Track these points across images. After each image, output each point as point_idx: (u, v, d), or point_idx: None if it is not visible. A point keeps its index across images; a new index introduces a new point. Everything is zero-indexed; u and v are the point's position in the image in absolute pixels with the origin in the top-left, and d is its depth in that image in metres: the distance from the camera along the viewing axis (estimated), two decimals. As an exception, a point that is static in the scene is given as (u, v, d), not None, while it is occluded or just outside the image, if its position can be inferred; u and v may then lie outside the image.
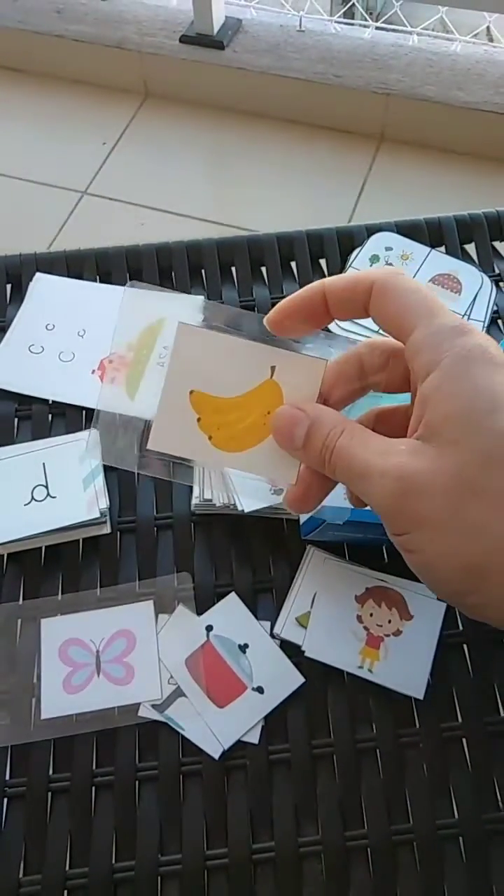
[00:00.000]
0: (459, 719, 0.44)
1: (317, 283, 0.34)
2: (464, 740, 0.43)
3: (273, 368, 0.34)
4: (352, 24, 1.90)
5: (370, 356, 0.34)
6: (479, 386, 0.28)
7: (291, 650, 0.46)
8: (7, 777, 0.44)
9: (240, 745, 0.43)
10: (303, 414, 0.33)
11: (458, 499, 0.28)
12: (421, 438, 0.29)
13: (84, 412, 0.56)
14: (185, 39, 1.86)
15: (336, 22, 1.88)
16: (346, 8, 1.90)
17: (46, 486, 0.51)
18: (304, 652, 0.45)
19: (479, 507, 0.27)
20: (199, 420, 0.35)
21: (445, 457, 0.28)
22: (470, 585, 0.28)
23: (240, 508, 0.48)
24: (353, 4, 1.89)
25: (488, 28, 1.88)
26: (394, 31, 1.85)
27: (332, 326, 0.58)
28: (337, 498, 0.44)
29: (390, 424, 0.34)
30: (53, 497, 0.51)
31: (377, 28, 1.86)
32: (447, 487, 0.28)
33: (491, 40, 1.91)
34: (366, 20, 1.88)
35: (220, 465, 0.35)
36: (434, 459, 0.28)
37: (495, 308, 0.60)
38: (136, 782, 0.43)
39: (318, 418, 0.32)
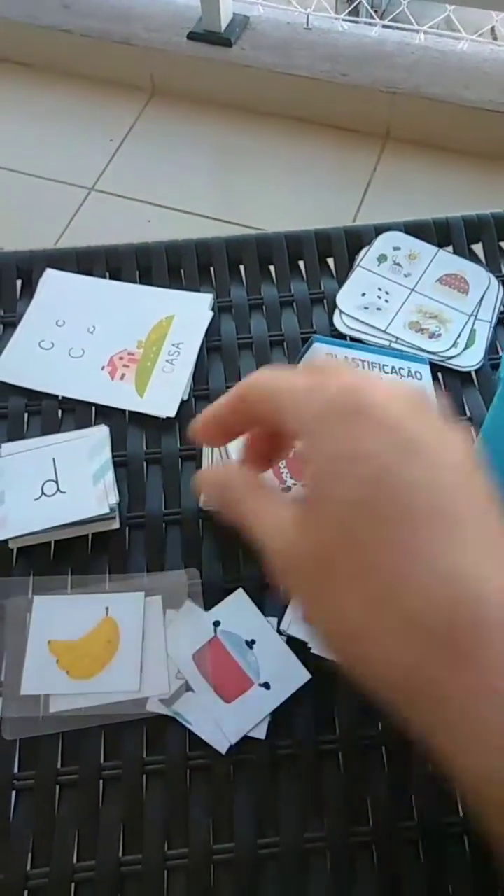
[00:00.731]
0: (465, 717, 0.44)
1: (210, 411, 0.33)
2: (469, 738, 0.44)
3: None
4: (358, 23, 1.90)
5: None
6: (337, 447, 0.27)
7: (298, 646, 0.46)
8: (15, 770, 0.44)
9: (246, 740, 0.44)
10: (212, 486, 0.34)
11: (319, 579, 0.27)
12: (306, 505, 0.28)
13: (94, 408, 0.56)
14: (192, 36, 1.86)
15: (343, 20, 1.88)
16: (352, 7, 1.90)
17: (56, 482, 0.51)
18: (310, 648, 0.46)
19: (333, 592, 0.26)
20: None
21: (311, 531, 0.27)
22: (349, 663, 0.28)
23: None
24: (360, 2, 1.89)
25: (493, 28, 1.87)
26: (400, 29, 1.85)
27: (338, 325, 0.59)
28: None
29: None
30: (63, 492, 0.51)
31: (384, 26, 1.86)
32: (311, 567, 0.27)
33: (496, 39, 1.91)
34: (372, 18, 1.88)
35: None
36: (305, 534, 0.28)
37: (502, 308, 0.60)
38: (144, 776, 0.44)
39: (224, 487, 0.33)
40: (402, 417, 0.27)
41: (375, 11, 1.89)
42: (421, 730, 0.26)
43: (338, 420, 0.27)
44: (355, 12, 1.92)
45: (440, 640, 0.24)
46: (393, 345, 0.58)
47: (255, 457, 0.34)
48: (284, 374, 0.30)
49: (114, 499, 0.50)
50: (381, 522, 0.25)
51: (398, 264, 0.62)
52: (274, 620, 0.47)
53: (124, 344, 0.59)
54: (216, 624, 0.47)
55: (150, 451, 0.54)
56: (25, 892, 0.41)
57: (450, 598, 0.24)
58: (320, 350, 0.50)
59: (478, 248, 0.64)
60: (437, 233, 0.64)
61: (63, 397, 0.57)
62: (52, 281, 0.62)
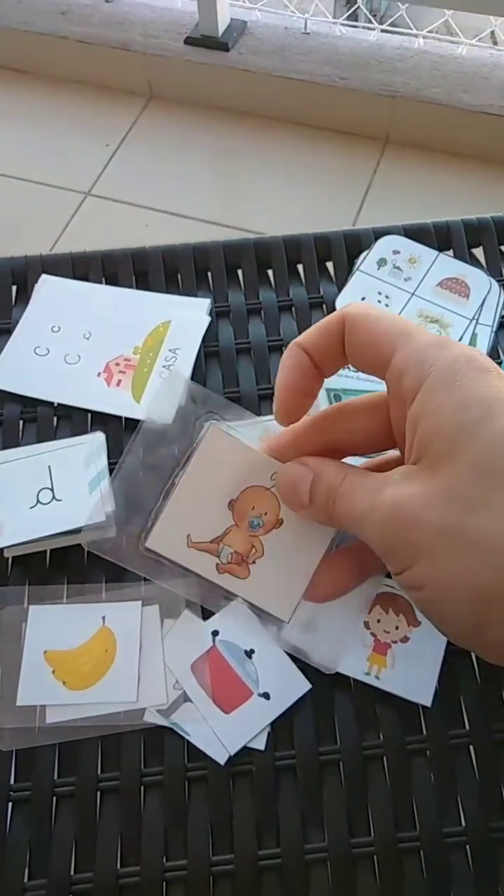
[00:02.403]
0: (467, 726, 0.44)
1: (293, 348, 0.32)
2: (471, 748, 0.43)
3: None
4: (357, 27, 1.90)
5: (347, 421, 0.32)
6: (468, 394, 0.26)
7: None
8: (12, 781, 0.43)
9: (246, 751, 0.43)
10: (306, 469, 0.31)
11: (455, 519, 0.25)
12: (413, 462, 0.27)
13: (90, 415, 0.56)
14: (189, 41, 1.86)
15: (342, 24, 1.88)
16: (350, 11, 1.90)
17: (52, 489, 0.51)
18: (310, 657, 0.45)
19: (479, 523, 0.24)
20: None
21: (437, 475, 0.25)
22: (484, 617, 0.25)
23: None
24: (358, 6, 1.89)
25: (493, 32, 1.87)
26: (399, 33, 1.85)
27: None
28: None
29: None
30: (59, 500, 0.50)
31: (382, 31, 1.86)
32: (441, 508, 0.25)
33: (495, 43, 1.91)
34: (370, 22, 1.88)
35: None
36: (425, 480, 0.26)
37: (503, 313, 0.60)
38: (142, 788, 0.43)
39: (320, 471, 0.30)
40: None
41: (374, 16, 1.89)
42: None
43: (472, 372, 0.26)
44: (354, 17, 1.92)
45: None
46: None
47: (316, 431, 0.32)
48: (393, 316, 0.29)
49: (110, 506, 0.50)
50: None
51: (398, 268, 0.62)
52: (273, 630, 0.46)
53: (121, 350, 0.59)
54: (214, 633, 0.46)
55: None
56: (21, 907, 0.40)
57: None
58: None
59: (478, 252, 0.64)
60: (437, 236, 0.64)
61: (58, 404, 0.56)
62: (48, 286, 0.62)
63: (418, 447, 0.27)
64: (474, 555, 0.24)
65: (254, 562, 0.33)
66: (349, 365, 0.32)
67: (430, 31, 1.83)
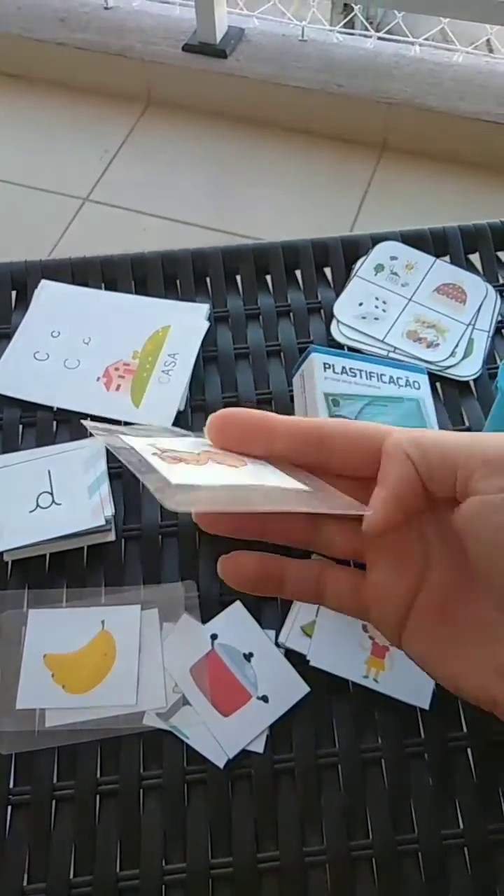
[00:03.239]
0: (465, 729, 0.44)
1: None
2: (469, 750, 0.43)
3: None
4: (353, 35, 1.91)
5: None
6: None
7: (296, 659, 0.46)
8: (11, 785, 0.43)
9: (244, 754, 0.43)
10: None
11: None
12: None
13: (89, 419, 0.56)
14: (187, 48, 1.87)
15: (338, 32, 1.89)
16: (346, 19, 1.91)
17: (52, 494, 0.51)
18: (308, 661, 0.45)
19: None
20: None
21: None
22: None
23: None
24: (355, 14, 1.90)
25: (489, 40, 1.89)
26: (396, 41, 1.86)
27: (335, 334, 0.59)
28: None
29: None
30: (58, 504, 0.51)
31: (379, 38, 1.87)
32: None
33: (491, 51, 1.92)
34: (366, 30, 1.89)
35: None
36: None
37: (500, 318, 0.60)
38: (141, 791, 0.43)
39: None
40: None
41: (370, 23, 1.90)
42: None
43: None
44: (351, 24, 1.93)
45: None
46: (391, 354, 0.58)
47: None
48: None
49: (109, 511, 0.50)
50: None
51: (395, 274, 0.62)
52: (272, 633, 0.46)
53: (120, 355, 0.59)
54: (213, 637, 0.46)
55: (146, 461, 0.54)
56: (21, 910, 0.40)
57: None
58: (318, 360, 0.50)
59: (475, 258, 0.64)
60: (435, 242, 0.64)
61: (58, 408, 0.56)
62: (47, 292, 0.62)
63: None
64: None
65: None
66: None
67: (426, 39, 1.84)
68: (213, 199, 1.81)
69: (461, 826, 0.41)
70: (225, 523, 0.29)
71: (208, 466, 0.27)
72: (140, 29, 1.93)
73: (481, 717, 0.44)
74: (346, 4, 1.96)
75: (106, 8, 1.97)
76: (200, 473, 0.26)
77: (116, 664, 0.46)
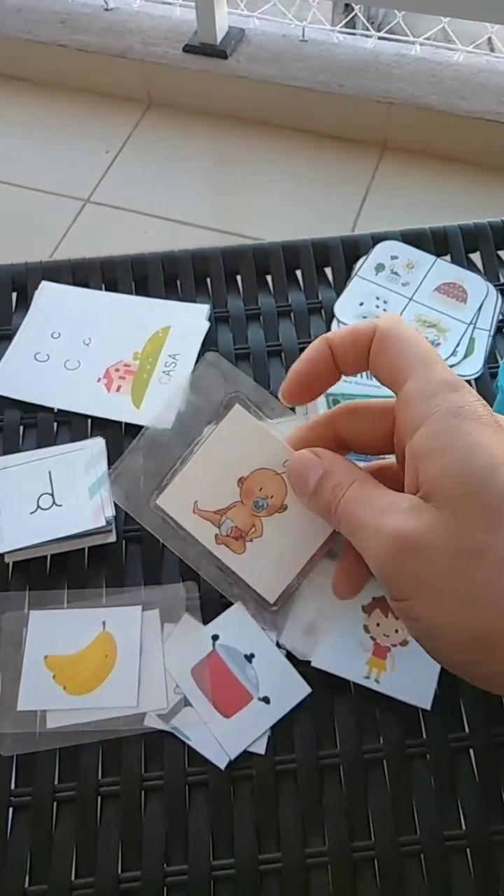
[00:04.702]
0: (467, 730, 0.44)
1: (320, 341, 0.33)
2: (471, 751, 0.43)
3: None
4: (355, 35, 1.91)
5: (347, 420, 0.33)
6: (474, 442, 0.27)
7: (298, 660, 0.46)
8: (12, 786, 0.43)
9: (246, 755, 0.43)
10: (318, 461, 0.32)
11: (460, 561, 0.26)
12: (422, 496, 0.28)
13: (89, 420, 0.56)
14: (188, 49, 1.87)
15: (339, 32, 1.89)
16: (347, 19, 1.91)
17: (52, 495, 0.51)
18: (310, 662, 0.45)
19: (482, 570, 0.26)
20: None
21: (446, 516, 0.27)
22: (475, 656, 0.27)
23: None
24: (355, 14, 1.90)
25: (490, 39, 1.88)
26: (396, 40, 1.86)
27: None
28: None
29: (382, 479, 0.32)
30: (59, 505, 0.51)
31: (380, 38, 1.87)
32: (448, 549, 0.26)
33: (492, 50, 1.92)
34: (368, 30, 1.89)
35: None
36: (434, 518, 0.27)
37: (501, 317, 0.60)
38: (142, 792, 0.43)
39: (330, 468, 0.31)
40: None
41: (371, 23, 1.90)
42: None
43: (477, 421, 0.28)
44: (351, 24, 1.93)
45: None
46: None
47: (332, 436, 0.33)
48: (424, 345, 0.30)
49: (110, 512, 0.50)
50: None
51: (396, 273, 0.62)
52: (273, 634, 0.46)
53: (120, 355, 0.59)
54: (215, 638, 0.46)
55: (147, 462, 0.54)
56: (22, 912, 0.40)
57: None
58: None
59: (475, 257, 0.64)
60: (435, 241, 0.64)
61: (58, 409, 0.56)
62: (48, 293, 0.62)
63: (426, 484, 0.28)
64: (473, 600, 0.26)
65: (251, 540, 0.34)
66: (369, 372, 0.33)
67: (426, 38, 1.84)
68: (215, 200, 1.81)
69: (463, 827, 0.41)
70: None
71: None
72: (141, 30, 1.93)
73: (483, 717, 0.44)
74: (346, 5, 1.96)
75: (106, 9, 1.98)
76: None
77: (117, 665, 0.46)
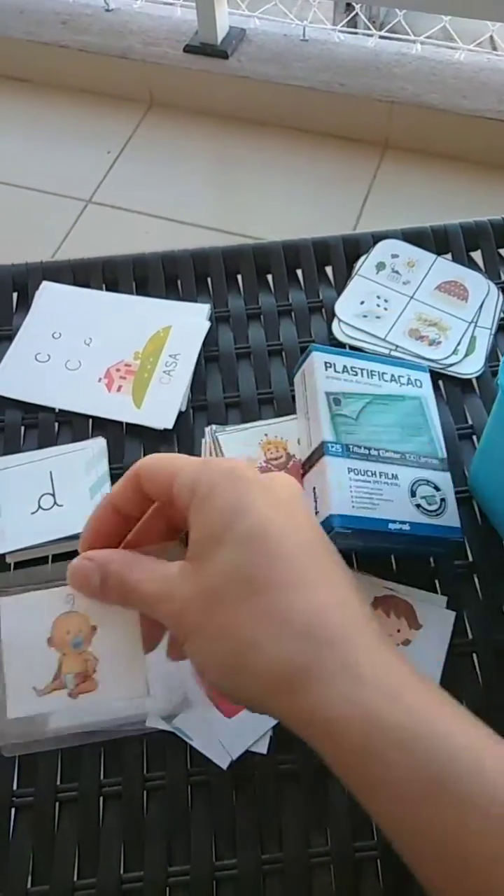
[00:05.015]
0: (469, 729, 0.43)
1: (103, 505, 0.36)
2: (473, 750, 0.43)
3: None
4: (355, 33, 1.91)
5: (127, 504, 0.36)
6: (222, 503, 0.31)
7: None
8: (15, 787, 0.43)
9: (248, 755, 0.43)
10: (92, 563, 0.34)
11: (208, 609, 0.30)
12: (188, 559, 0.32)
13: (90, 420, 0.56)
14: (189, 49, 1.87)
15: (340, 31, 1.89)
16: (349, 17, 1.91)
17: (53, 495, 0.51)
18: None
19: (223, 614, 0.30)
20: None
21: (199, 574, 0.31)
22: (233, 683, 0.31)
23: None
24: (356, 14, 1.90)
25: (491, 37, 1.88)
26: (397, 39, 1.86)
27: (337, 333, 0.59)
28: (345, 506, 0.44)
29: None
30: (60, 505, 0.51)
31: (381, 37, 1.86)
32: (200, 601, 0.31)
33: (494, 48, 1.91)
34: (369, 29, 1.89)
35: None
36: (193, 578, 0.31)
37: (502, 315, 0.60)
38: (144, 793, 0.43)
39: (107, 563, 0.34)
40: (272, 482, 0.33)
41: (372, 22, 1.89)
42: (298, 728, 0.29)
43: (229, 482, 0.32)
44: (352, 23, 1.93)
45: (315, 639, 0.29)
46: (393, 353, 0.58)
47: (146, 532, 0.36)
48: (175, 455, 0.35)
49: (112, 511, 0.50)
50: (266, 560, 0.30)
51: (397, 272, 0.62)
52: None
53: (121, 355, 0.59)
54: (216, 637, 0.46)
55: (148, 462, 0.54)
56: (25, 913, 0.40)
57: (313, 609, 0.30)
58: (318, 359, 0.49)
59: (476, 256, 0.64)
60: (436, 240, 0.64)
61: (60, 410, 0.56)
62: (49, 293, 0.62)
63: (191, 549, 0.32)
64: (219, 638, 0.30)
65: (94, 670, 0.37)
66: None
67: (428, 37, 1.84)
68: (216, 200, 1.81)
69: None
70: None
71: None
72: (141, 30, 1.93)
73: (481, 719, 0.44)
74: (348, 4, 1.96)
75: (107, 10, 1.98)
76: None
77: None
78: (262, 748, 0.43)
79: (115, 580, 0.34)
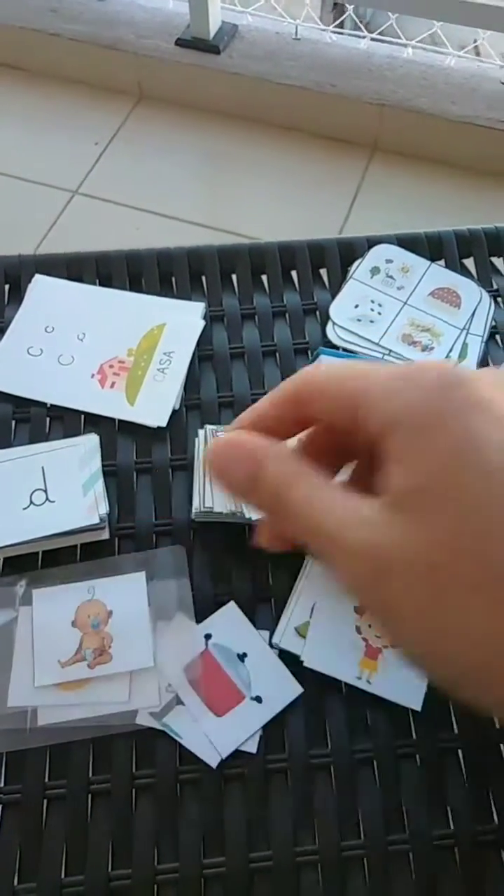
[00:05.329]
0: (456, 731, 0.44)
1: (248, 421, 0.28)
2: (460, 752, 0.44)
3: None
4: (347, 34, 1.91)
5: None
6: (452, 440, 0.23)
7: (290, 660, 0.46)
8: (2, 784, 0.43)
9: (238, 754, 0.43)
10: (247, 450, 0.26)
11: (436, 593, 0.22)
12: (391, 505, 0.23)
13: (83, 416, 0.56)
14: (180, 43, 1.86)
15: (332, 31, 1.89)
16: (340, 19, 1.91)
17: (45, 491, 0.51)
18: (302, 662, 0.45)
19: (458, 608, 0.22)
20: None
21: (419, 531, 0.22)
22: (473, 690, 0.23)
23: (247, 516, 0.48)
24: (347, 15, 1.90)
25: (476, 46, 1.89)
26: (389, 43, 1.86)
27: (331, 336, 0.59)
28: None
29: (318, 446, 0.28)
30: (52, 501, 0.50)
31: (373, 39, 1.87)
32: (422, 571, 0.22)
33: (479, 55, 1.93)
34: (358, 29, 1.89)
35: None
36: (407, 534, 0.23)
37: (493, 323, 0.61)
38: (133, 790, 0.43)
39: (263, 460, 0.26)
40: None
41: (361, 22, 1.90)
42: None
43: (449, 410, 0.23)
44: (341, 24, 1.93)
45: None
46: (386, 357, 0.58)
47: (317, 455, 0.27)
48: (351, 365, 0.26)
49: (103, 509, 0.50)
50: None
51: (391, 277, 0.63)
52: (266, 634, 0.47)
53: (115, 352, 0.59)
54: (207, 637, 0.46)
55: (140, 460, 0.54)
56: (12, 909, 0.40)
57: None
58: (327, 363, 0.50)
59: (469, 263, 0.64)
60: (430, 246, 0.64)
61: (52, 405, 0.56)
62: (41, 286, 0.62)
63: (396, 492, 0.23)
64: (457, 632, 0.22)
65: (109, 646, 0.45)
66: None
67: (417, 42, 1.84)
68: (203, 195, 1.81)
69: (451, 827, 0.42)
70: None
71: None
72: (133, 21, 1.92)
73: (472, 718, 0.44)
74: (336, 4, 1.96)
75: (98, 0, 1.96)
76: None
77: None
78: (252, 747, 0.44)
79: (272, 484, 0.25)
